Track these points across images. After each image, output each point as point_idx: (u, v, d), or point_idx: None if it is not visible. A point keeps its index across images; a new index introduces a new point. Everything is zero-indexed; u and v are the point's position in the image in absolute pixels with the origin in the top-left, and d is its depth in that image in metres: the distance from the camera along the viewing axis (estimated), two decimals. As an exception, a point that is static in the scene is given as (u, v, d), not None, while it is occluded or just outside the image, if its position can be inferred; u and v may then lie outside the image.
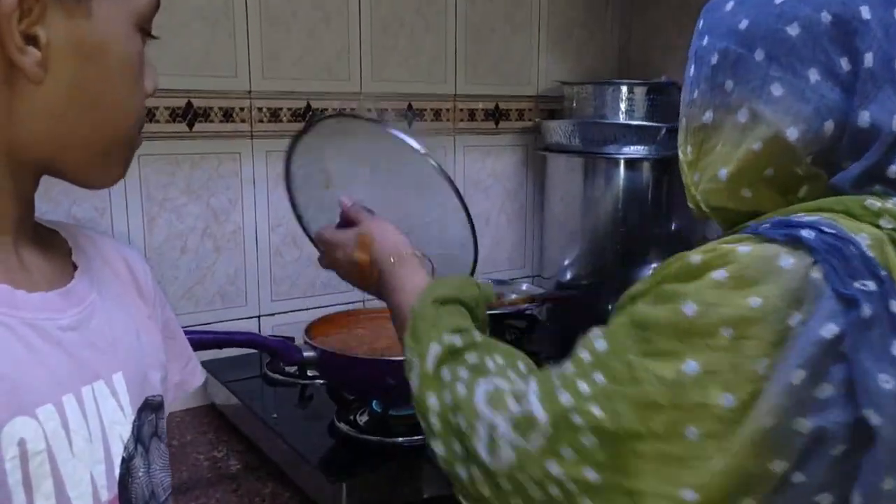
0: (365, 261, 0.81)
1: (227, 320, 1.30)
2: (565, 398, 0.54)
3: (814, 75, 0.58)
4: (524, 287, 1.48)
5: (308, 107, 1.32)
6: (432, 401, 0.63)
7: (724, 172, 0.62)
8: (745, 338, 0.49)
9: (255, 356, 1.27)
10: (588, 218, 1.48)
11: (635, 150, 1.40)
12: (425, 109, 1.46)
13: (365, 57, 1.37)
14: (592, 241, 1.49)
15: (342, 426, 1.02)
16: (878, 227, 0.54)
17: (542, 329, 1.42)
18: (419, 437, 0.97)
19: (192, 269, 1.25)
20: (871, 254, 0.51)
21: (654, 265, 1.46)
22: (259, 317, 1.33)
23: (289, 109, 1.31)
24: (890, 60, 0.57)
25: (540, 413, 0.55)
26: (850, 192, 0.57)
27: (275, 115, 1.29)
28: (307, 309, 1.38)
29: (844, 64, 0.58)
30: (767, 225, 0.55)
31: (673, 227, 1.46)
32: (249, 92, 1.26)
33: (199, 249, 1.26)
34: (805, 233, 0.52)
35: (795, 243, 0.52)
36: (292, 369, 1.20)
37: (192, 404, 1.27)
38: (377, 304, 1.41)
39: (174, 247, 1.23)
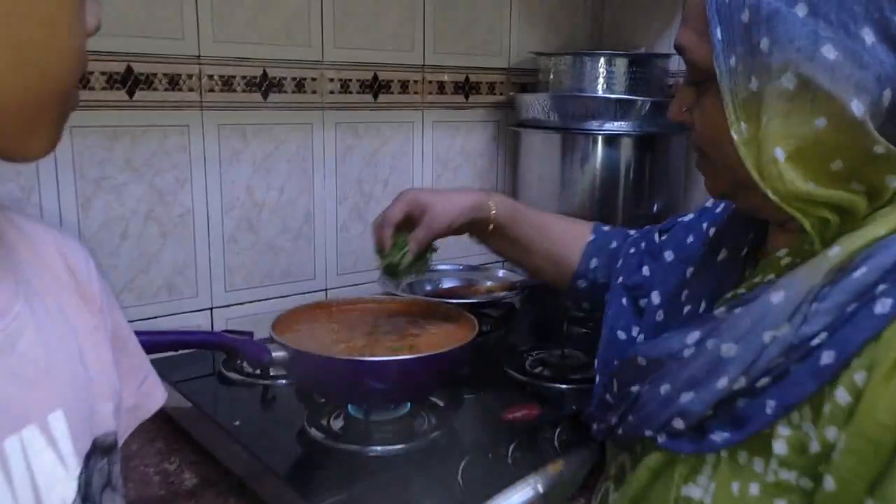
0: None
1: (175, 314, 1.16)
2: None
3: (869, 36, 0.50)
4: (500, 274, 1.38)
5: (264, 75, 1.19)
6: None
7: (780, 153, 0.53)
8: None
9: (207, 353, 1.14)
10: (566, 198, 1.39)
11: (617, 126, 1.32)
12: (392, 81, 1.34)
13: (327, 19, 1.24)
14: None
15: (314, 432, 0.90)
16: None
17: (519, 317, 1.33)
18: (403, 444, 0.87)
19: (134, 258, 1.11)
20: None
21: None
22: (211, 309, 1.20)
23: (243, 78, 1.17)
24: None
25: None
26: None
27: (227, 84, 1.15)
28: (265, 299, 1.25)
29: None
30: None
31: (655, 209, 1.39)
32: (198, 57, 1.12)
33: (142, 235, 1.11)
34: None
35: None
36: (253, 368, 1.07)
37: (137, 408, 1.14)
38: (347, 293, 1.31)
39: (113, 232, 1.09)
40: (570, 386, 1.07)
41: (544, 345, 1.21)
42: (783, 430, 0.53)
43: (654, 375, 0.61)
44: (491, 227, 0.90)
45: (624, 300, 0.82)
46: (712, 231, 0.75)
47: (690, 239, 0.79)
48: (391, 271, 0.89)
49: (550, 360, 1.13)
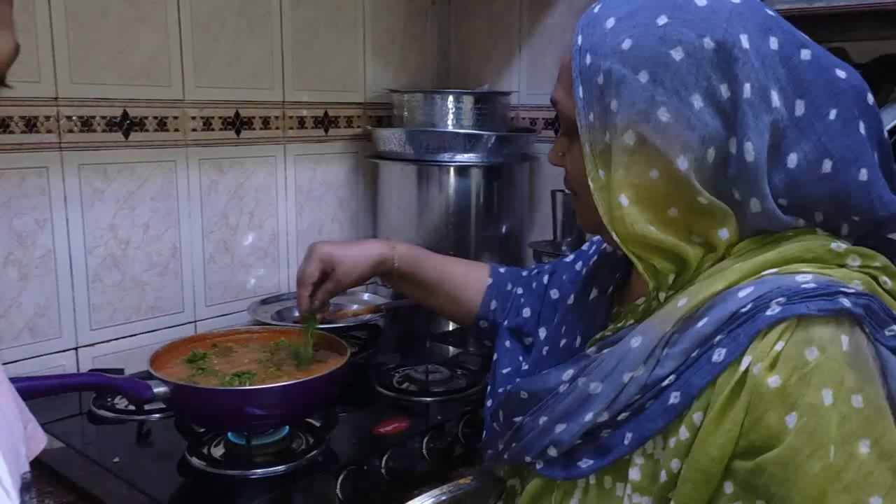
0: None
1: (38, 356, 1.15)
2: None
3: (697, 102, 0.58)
4: (366, 297, 1.46)
5: (125, 115, 1.21)
6: None
7: (624, 199, 0.60)
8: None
9: (72, 393, 1.13)
10: (422, 223, 1.50)
11: (467, 158, 1.45)
12: (254, 117, 1.39)
13: (187, 59, 1.28)
14: (427, 245, 1.51)
15: (195, 461, 0.94)
16: (845, 267, 0.58)
17: (385, 337, 1.42)
18: (283, 465, 0.93)
19: (-7, 302, 1.10)
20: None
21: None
22: (76, 349, 1.20)
23: (103, 118, 1.18)
24: (765, 90, 0.58)
25: None
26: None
27: (87, 125, 1.16)
28: (133, 335, 1.26)
29: (724, 91, 0.58)
30: (782, 300, 0.55)
31: (503, 230, 1.53)
32: (56, 98, 1.12)
33: (0, 279, 1.10)
34: (847, 302, 0.54)
35: (842, 316, 0.54)
36: (125, 405, 1.09)
37: (0, 454, 1.11)
38: (216, 323, 1.34)
39: (-30, 277, 1.07)
40: (434, 399, 1.17)
41: (409, 362, 1.31)
42: (638, 459, 0.60)
43: (535, 408, 0.68)
44: (395, 275, 0.98)
45: (507, 342, 0.90)
46: (584, 271, 0.83)
47: (565, 277, 0.88)
48: (300, 357, 0.99)
49: (415, 376, 1.23)
